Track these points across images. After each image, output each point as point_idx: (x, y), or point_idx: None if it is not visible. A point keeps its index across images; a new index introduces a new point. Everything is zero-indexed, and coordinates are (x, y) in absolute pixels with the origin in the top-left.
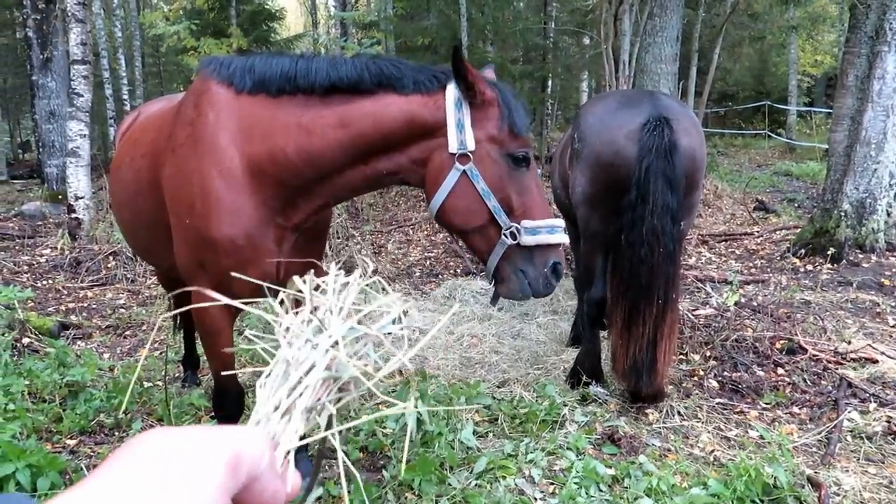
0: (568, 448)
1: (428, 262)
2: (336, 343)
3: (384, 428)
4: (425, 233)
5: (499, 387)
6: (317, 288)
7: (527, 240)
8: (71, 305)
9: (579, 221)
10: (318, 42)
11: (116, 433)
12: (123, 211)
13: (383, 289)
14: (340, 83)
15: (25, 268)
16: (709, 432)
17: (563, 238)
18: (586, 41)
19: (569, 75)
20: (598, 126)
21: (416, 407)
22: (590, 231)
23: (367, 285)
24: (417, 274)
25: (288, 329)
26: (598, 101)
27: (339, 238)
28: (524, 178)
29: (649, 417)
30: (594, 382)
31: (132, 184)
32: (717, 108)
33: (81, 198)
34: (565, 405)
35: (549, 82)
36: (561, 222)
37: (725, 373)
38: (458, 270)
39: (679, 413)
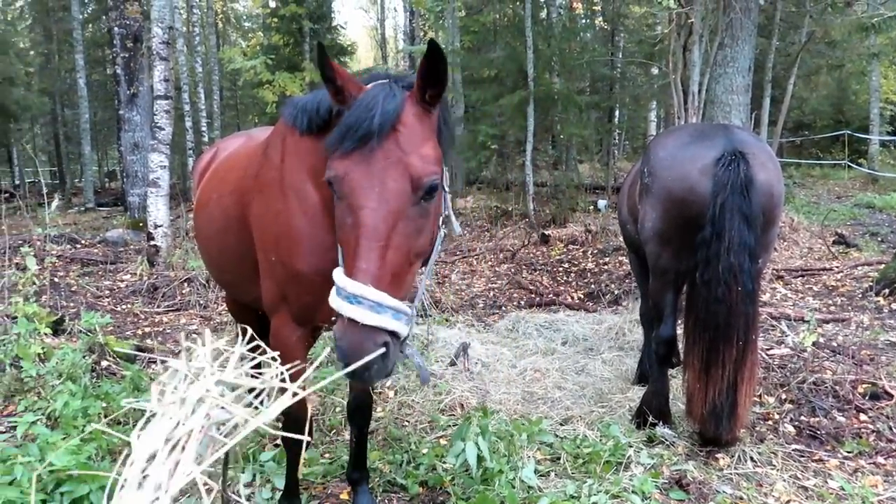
0: (633, 492)
1: (492, 294)
2: (207, 392)
3: (444, 463)
4: (489, 264)
5: (561, 424)
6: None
7: (330, 299)
8: (147, 329)
9: (648, 257)
10: None
11: None
12: (210, 245)
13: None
14: None
15: (107, 292)
16: (784, 481)
17: (359, 314)
18: (654, 71)
19: (637, 106)
20: (669, 160)
21: (476, 443)
22: (660, 267)
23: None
24: (481, 305)
25: (162, 386)
26: (669, 135)
27: None
28: (340, 210)
29: (720, 462)
30: (661, 423)
31: (219, 220)
32: (792, 138)
33: (160, 226)
34: (630, 446)
35: (617, 112)
36: (369, 292)
37: (802, 417)
38: (522, 302)
39: (752, 459)
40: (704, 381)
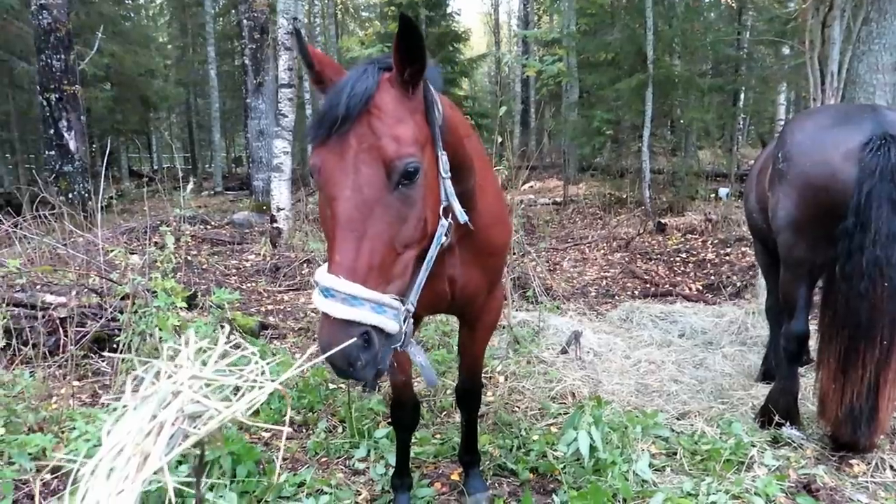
0: (756, 493)
1: (604, 282)
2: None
3: (555, 451)
4: (602, 252)
5: (678, 419)
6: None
7: (314, 294)
8: (269, 307)
9: (780, 248)
10: (501, 61)
11: (304, 430)
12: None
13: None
14: None
15: (234, 271)
16: None
17: (332, 308)
18: (786, 51)
19: (764, 88)
20: (808, 144)
21: (588, 433)
22: (793, 259)
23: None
24: (593, 294)
25: (136, 381)
26: (809, 117)
27: (514, 254)
28: (319, 201)
29: (854, 469)
30: (788, 424)
31: None
32: None
33: (282, 209)
34: (754, 446)
35: (742, 96)
36: (341, 284)
37: None
38: (636, 292)
39: (892, 468)
40: (841, 382)
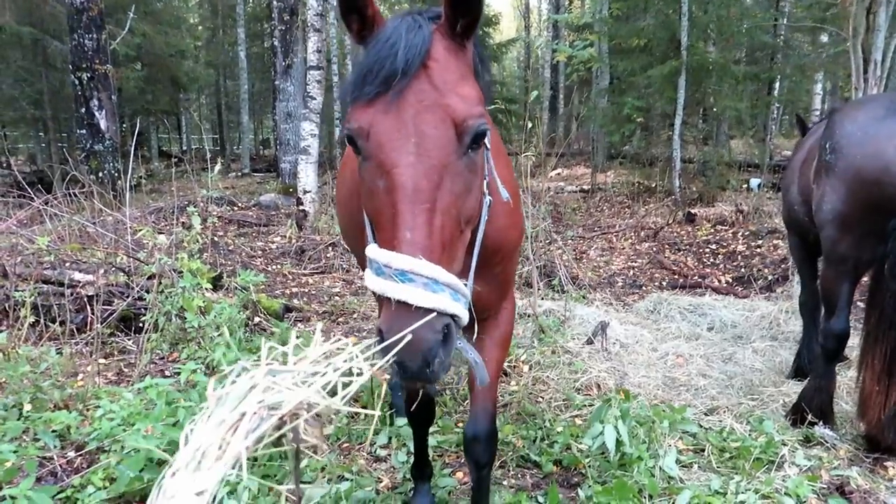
0: (786, 494)
1: (631, 273)
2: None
3: (580, 443)
4: (629, 241)
5: (706, 414)
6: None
7: (368, 280)
8: (294, 290)
9: (824, 242)
10: (531, 46)
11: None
12: (343, 209)
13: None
14: None
15: (259, 252)
16: None
17: (412, 295)
18: (824, 38)
19: (801, 77)
20: (860, 135)
21: (615, 427)
22: (837, 254)
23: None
24: (619, 284)
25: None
26: (860, 107)
27: (540, 242)
28: (367, 171)
29: (889, 472)
30: (821, 423)
31: (349, 183)
32: None
33: (309, 192)
34: (784, 444)
35: (777, 85)
36: (421, 266)
37: None
38: (664, 283)
39: None
40: (886, 384)
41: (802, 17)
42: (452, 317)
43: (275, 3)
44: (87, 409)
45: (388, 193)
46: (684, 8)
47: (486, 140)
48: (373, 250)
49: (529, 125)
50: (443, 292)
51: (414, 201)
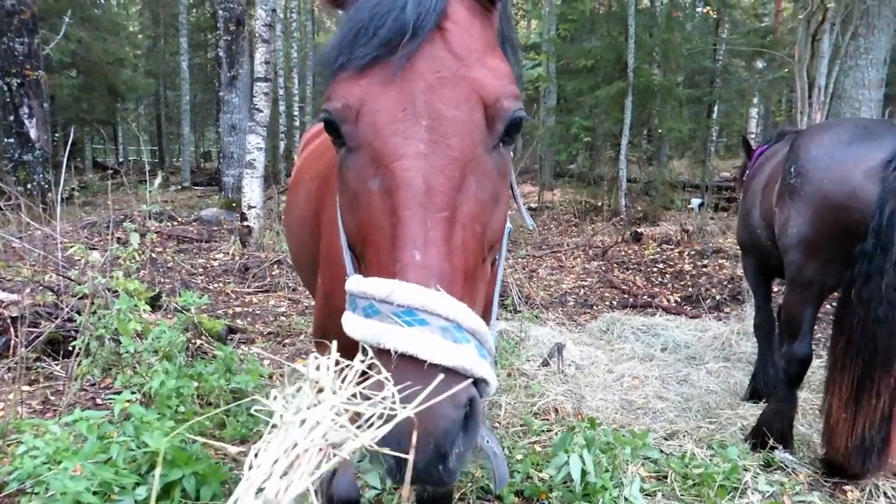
0: None
1: (582, 292)
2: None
3: (540, 472)
4: (579, 260)
5: (666, 439)
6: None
7: (350, 326)
8: (238, 309)
9: (788, 267)
10: None
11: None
12: (292, 232)
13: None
14: None
15: (201, 270)
16: None
17: (427, 345)
18: (760, 65)
19: (739, 100)
20: (826, 160)
21: (581, 457)
22: (802, 279)
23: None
24: (571, 303)
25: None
26: (826, 130)
27: None
28: (354, 169)
29: (848, 496)
30: (781, 447)
31: (301, 205)
32: None
33: (254, 207)
34: (746, 470)
35: (716, 107)
36: (438, 301)
37: None
38: (615, 302)
39: (886, 495)
40: (853, 412)
41: (740, 43)
42: (476, 382)
43: (220, 12)
44: (8, 445)
45: (386, 197)
46: (631, 31)
47: (519, 131)
48: (357, 282)
49: None
50: (467, 343)
51: (426, 207)
